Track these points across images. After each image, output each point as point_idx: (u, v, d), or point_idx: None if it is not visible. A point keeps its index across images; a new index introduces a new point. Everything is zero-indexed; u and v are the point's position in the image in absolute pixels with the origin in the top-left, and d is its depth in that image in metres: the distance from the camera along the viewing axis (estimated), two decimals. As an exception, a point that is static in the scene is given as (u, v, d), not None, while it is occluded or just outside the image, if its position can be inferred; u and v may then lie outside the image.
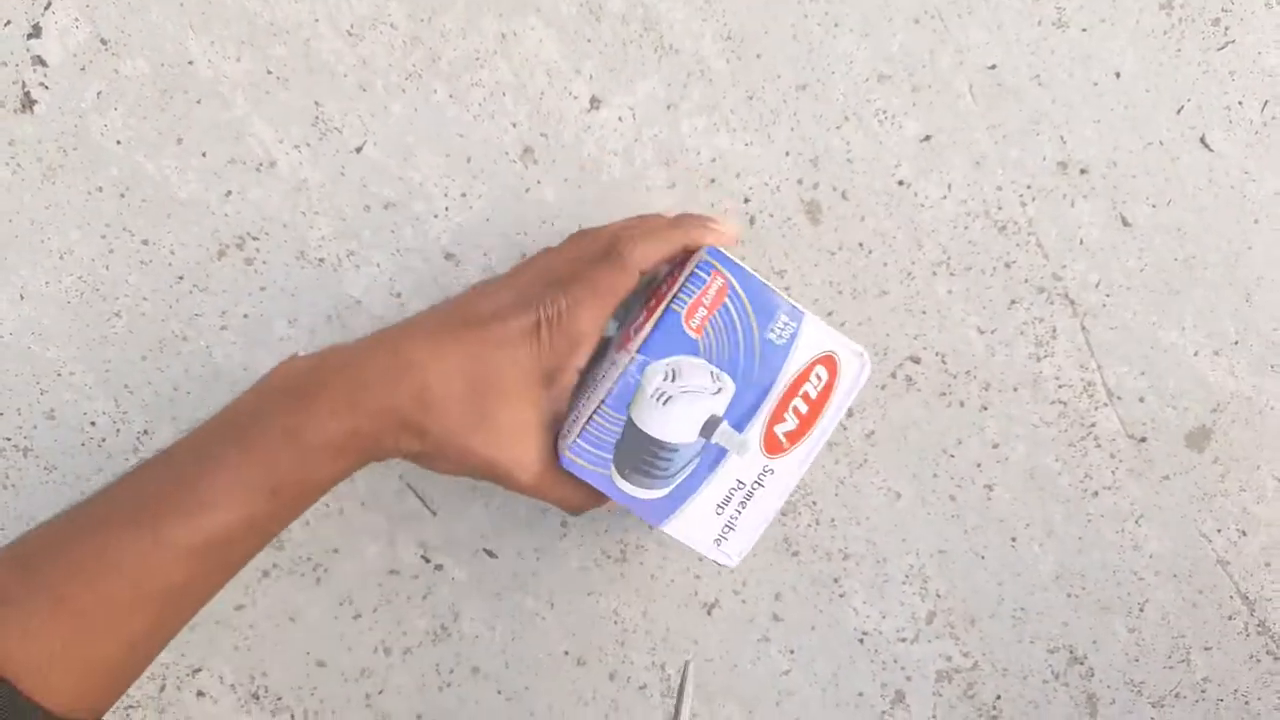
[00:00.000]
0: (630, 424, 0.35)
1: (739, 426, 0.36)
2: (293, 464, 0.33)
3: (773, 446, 0.36)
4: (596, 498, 0.38)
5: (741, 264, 0.36)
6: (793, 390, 0.36)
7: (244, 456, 0.33)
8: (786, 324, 0.36)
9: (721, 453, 0.36)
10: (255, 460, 0.33)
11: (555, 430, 0.37)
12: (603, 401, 0.35)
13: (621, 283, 0.36)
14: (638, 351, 0.35)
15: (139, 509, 0.32)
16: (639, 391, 0.35)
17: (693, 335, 0.35)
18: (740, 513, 0.36)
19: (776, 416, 0.36)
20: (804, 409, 0.36)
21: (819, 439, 0.36)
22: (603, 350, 0.39)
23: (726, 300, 0.35)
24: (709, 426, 0.36)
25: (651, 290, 0.39)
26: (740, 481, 0.36)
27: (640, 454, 0.36)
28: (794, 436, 0.36)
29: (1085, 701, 0.46)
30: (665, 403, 0.35)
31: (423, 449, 0.35)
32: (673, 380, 0.35)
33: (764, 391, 0.36)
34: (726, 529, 0.37)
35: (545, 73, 0.43)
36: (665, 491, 0.36)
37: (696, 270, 0.35)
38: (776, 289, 0.36)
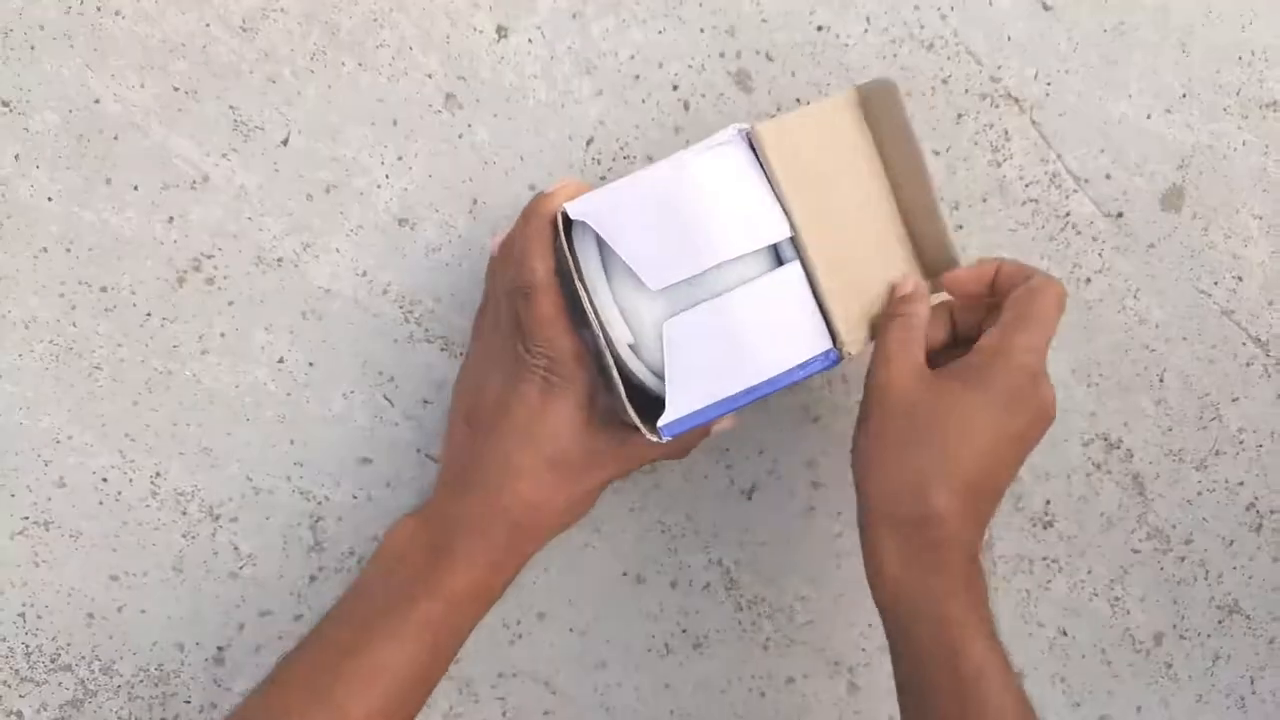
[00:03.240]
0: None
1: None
2: (446, 616, 0.36)
3: None
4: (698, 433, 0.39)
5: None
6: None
7: (403, 623, 0.36)
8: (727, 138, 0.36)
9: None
10: (414, 624, 0.36)
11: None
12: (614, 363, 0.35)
13: (545, 304, 0.36)
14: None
15: (315, 690, 0.36)
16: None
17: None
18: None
19: None
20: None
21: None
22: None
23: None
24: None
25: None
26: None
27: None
28: None
29: (1131, 484, 0.46)
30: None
31: (560, 526, 0.39)
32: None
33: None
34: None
35: (445, 15, 0.42)
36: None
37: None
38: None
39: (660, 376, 0.35)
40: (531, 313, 0.36)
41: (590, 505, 0.39)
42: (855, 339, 0.37)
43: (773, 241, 0.35)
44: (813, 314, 0.36)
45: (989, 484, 0.36)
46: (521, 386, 0.37)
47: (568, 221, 0.36)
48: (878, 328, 0.38)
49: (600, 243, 0.35)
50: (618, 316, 0.35)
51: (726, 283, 0.35)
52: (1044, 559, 0.47)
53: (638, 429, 0.35)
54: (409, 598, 0.36)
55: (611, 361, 0.35)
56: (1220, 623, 0.48)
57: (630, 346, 0.36)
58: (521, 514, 0.37)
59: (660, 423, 0.35)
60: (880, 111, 0.38)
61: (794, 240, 0.36)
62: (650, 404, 0.36)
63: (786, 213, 0.36)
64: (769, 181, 0.36)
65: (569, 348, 0.36)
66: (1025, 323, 0.36)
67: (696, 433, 0.39)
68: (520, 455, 0.37)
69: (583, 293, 0.35)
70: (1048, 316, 0.36)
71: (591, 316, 0.35)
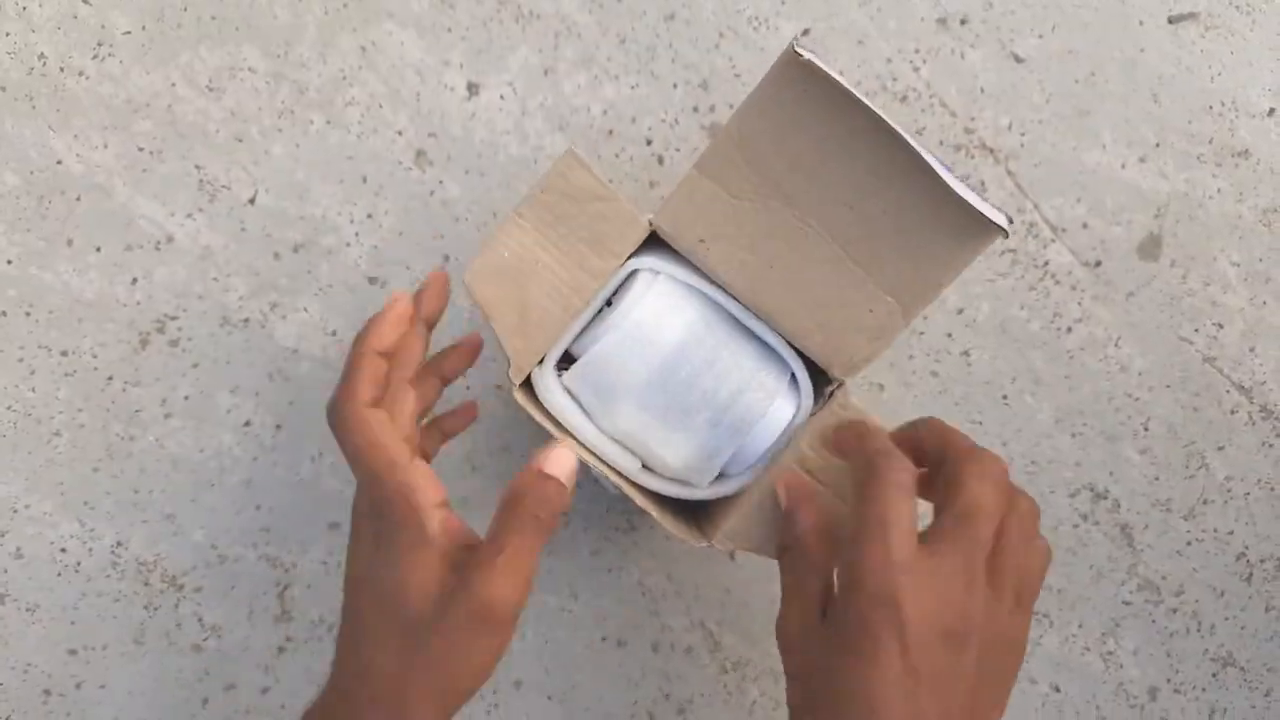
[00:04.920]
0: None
1: None
2: None
3: None
4: None
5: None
6: None
7: None
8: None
9: None
10: None
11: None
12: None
13: (357, 433, 0.31)
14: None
15: None
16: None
17: None
18: None
19: None
20: None
21: None
22: None
23: None
24: None
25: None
26: None
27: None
28: None
29: (1120, 534, 0.46)
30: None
31: (443, 694, 0.31)
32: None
33: None
34: None
35: (415, 73, 0.42)
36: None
37: None
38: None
39: (682, 481, 0.35)
40: (348, 450, 0.30)
41: (487, 665, 0.31)
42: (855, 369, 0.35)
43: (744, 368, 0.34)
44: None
45: None
46: (357, 537, 0.31)
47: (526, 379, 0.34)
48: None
49: (564, 380, 0.34)
50: (617, 449, 0.34)
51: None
52: (1035, 613, 0.46)
53: (687, 541, 0.35)
54: None
55: (637, 494, 0.34)
56: (1215, 675, 0.47)
57: (644, 468, 0.35)
58: (382, 689, 0.30)
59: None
60: (795, 113, 0.32)
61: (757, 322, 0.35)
62: (685, 507, 0.37)
63: (732, 296, 0.34)
64: (705, 279, 0.35)
65: (395, 482, 0.30)
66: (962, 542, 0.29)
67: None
68: (369, 621, 0.30)
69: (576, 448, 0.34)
70: (986, 510, 0.29)
71: (595, 465, 0.34)
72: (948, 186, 0.31)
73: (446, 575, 0.30)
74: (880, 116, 0.31)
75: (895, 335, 0.34)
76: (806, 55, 0.31)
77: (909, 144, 0.31)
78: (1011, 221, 0.32)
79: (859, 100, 0.31)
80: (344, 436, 0.31)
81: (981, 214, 0.32)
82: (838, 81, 0.31)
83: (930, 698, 0.28)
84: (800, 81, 0.31)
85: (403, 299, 0.32)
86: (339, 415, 0.31)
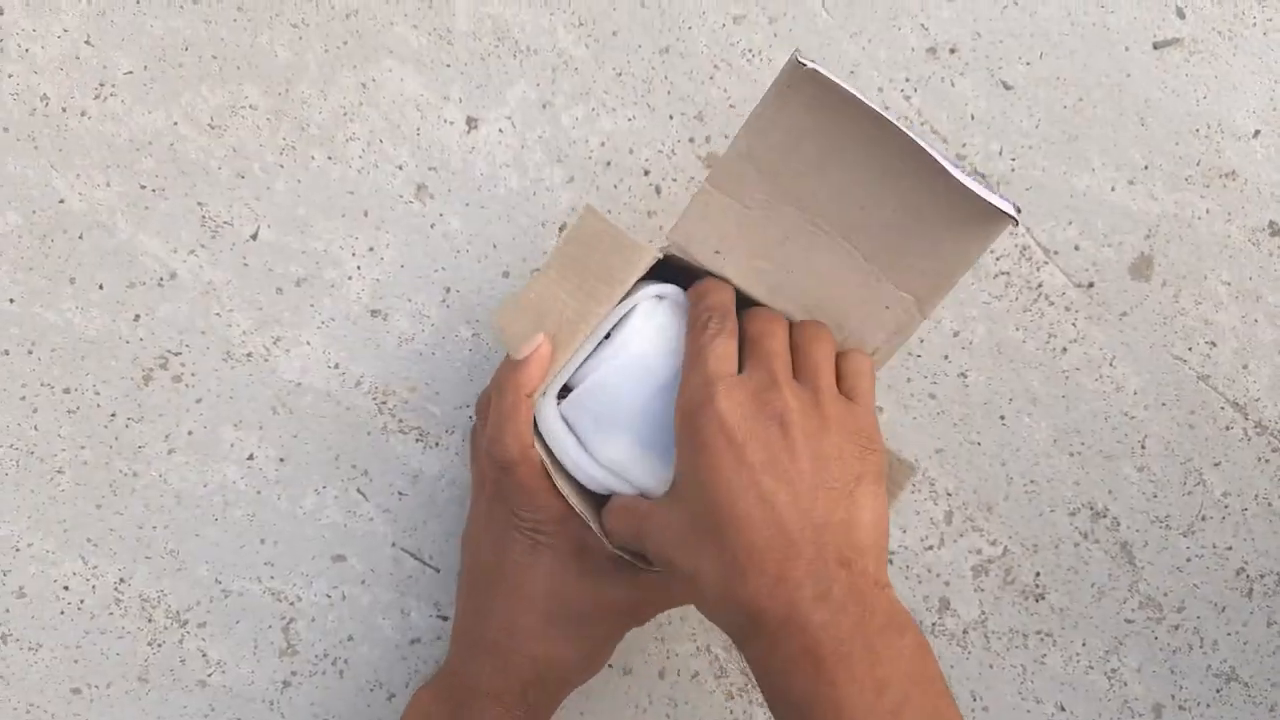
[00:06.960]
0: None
1: None
2: None
3: None
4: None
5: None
6: None
7: None
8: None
9: None
10: None
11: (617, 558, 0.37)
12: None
13: (525, 475, 0.35)
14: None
15: None
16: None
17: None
18: None
19: None
20: None
21: None
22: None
23: None
24: None
25: None
26: None
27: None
28: None
29: (1120, 552, 0.46)
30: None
31: (578, 679, 0.39)
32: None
33: None
34: None
35: (415, 108, 0.42)
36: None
37: None
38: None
39: None
40: (512, 484, 0.36)
41: (608, 654, 0.39)
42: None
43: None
44: None
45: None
46: (512, 548, 0.37)
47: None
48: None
49: (561, 408, 0.35)
50: (610, 477, 0.35)
51: None
52: (1038, 632, 0.46)
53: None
54: None
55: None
56: (1219, 691, 0.47)
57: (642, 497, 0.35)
58: (534, 673, 0.37)
59: None
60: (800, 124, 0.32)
61: None
62: None
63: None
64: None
65: (554, 509, 0.36)
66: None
67: None
68: (523, 616, 0.37)
69: (566, 489, 0.35)
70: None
71: (587, 517, 0.35)
72: (956, 180, 0.32)
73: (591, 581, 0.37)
74: (886, 117, 0.32)
75: (913, 330, 0.35)
76: (810, 64, 0.31)
77: (915, 142, 0.32)
78: (1020, 210, 0.33)
79: (864, 103, 0.32)
80: (515, 471, 0.35)
81: (991, 204, 0.32)
82: (842, 87, 0.32)
83: (772, 478, 0.31)
84: (805, 90, 0.32)
85: (545, 342, 0.35)
86: (509, 457, 0.35)
